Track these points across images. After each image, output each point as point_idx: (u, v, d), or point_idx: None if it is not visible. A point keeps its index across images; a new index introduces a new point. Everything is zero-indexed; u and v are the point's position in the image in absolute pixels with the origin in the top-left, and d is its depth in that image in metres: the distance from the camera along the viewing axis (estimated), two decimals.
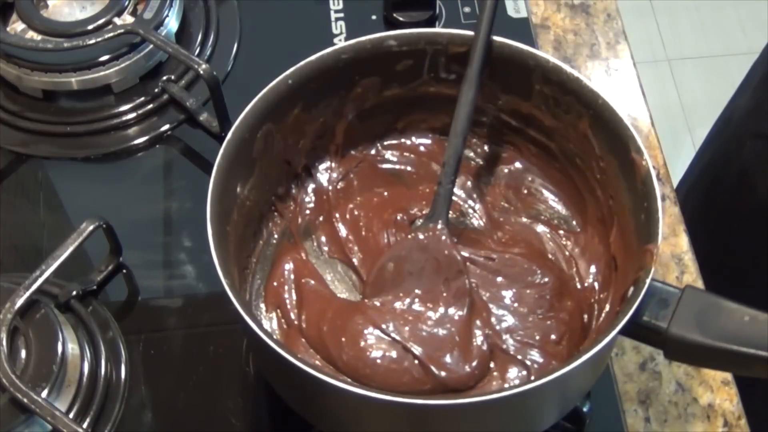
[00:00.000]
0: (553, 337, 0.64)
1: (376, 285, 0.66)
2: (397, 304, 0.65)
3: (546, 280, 0.67)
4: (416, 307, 0.65)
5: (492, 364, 0.63)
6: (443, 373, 0.62)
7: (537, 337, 0.64)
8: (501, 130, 0.72)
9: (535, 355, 0.64)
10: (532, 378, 0.62)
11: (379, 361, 0.62)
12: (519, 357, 0.64)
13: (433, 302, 0.65)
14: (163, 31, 0.83)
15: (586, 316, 0.66)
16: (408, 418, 0.57)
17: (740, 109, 1.00)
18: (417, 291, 0.65)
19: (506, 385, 0.63)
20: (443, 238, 0.66)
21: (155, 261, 0.77)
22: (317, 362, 0.64)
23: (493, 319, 0.65)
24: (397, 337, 0.63)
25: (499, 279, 0.67)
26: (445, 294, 0.65)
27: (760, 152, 0.92)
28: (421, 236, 0.66)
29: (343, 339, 0.63)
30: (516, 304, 0.66)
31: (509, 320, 0.65)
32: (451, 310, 0.64)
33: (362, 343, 0.63)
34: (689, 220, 0.79)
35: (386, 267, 0.66)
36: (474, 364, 0.62)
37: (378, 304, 0.65)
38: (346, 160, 0.73)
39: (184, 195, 0.80)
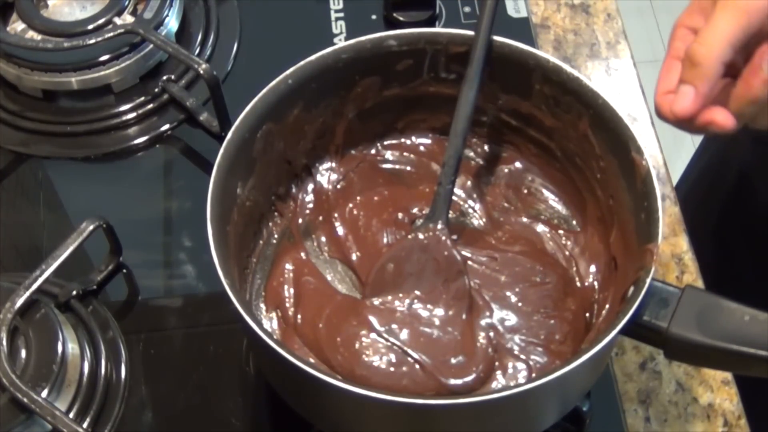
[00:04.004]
0: (557, 336, 0.64)
1: (376, 285, 0.66)
2: (397, 305, 0.65)
3: (549, 279, 0.67)
4: (416, 308, 0.65)
5: (495, 363, 0.63)
6: (451, 381, 0.61)
7: (541, 337, 0.64)
8: (501, 130, 0.72)
9: (539, 355, 0.64)
10: (533, 377, 0.62)
11: (375, 364, 0.62)
12: (523, 356, 0.64)
13: (433, 304, 0.65)
14: (163, 31, 0.83)
15: (588, 315, 0.66)
16: (408, 417, 0.57)
17: None
18: (417, 292, 0.65)
19: (508, 385, 0.63)
20: (443, 238, 0.66)
21: (155, 261, 0.77)
22: (311, 360, 0.64)
23: (496, 319, 0.65)
24: (396, 342, 0.63)
25: (503, 278, 0.67)
26: (444, 295, 0.65)
27: (759, 155, 0.92)
28: (421, 236, 0.66)
29: (338, 339, 0.63)
30: (520, 303, 0.66)
31: (513, 319, 0.65)
32: (452, 312, 0.64)
33: (357, 345, 0.63)
34: (689, 224, 0.79)
35: (386, 267, 0.66)
36: (480, 368, 0.62)
37: (377, 304, 0.65)
38: (346, 160, 0.73)
39: (184, 195, 0.80)
